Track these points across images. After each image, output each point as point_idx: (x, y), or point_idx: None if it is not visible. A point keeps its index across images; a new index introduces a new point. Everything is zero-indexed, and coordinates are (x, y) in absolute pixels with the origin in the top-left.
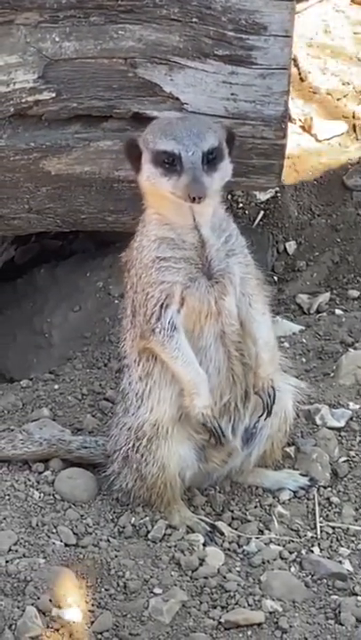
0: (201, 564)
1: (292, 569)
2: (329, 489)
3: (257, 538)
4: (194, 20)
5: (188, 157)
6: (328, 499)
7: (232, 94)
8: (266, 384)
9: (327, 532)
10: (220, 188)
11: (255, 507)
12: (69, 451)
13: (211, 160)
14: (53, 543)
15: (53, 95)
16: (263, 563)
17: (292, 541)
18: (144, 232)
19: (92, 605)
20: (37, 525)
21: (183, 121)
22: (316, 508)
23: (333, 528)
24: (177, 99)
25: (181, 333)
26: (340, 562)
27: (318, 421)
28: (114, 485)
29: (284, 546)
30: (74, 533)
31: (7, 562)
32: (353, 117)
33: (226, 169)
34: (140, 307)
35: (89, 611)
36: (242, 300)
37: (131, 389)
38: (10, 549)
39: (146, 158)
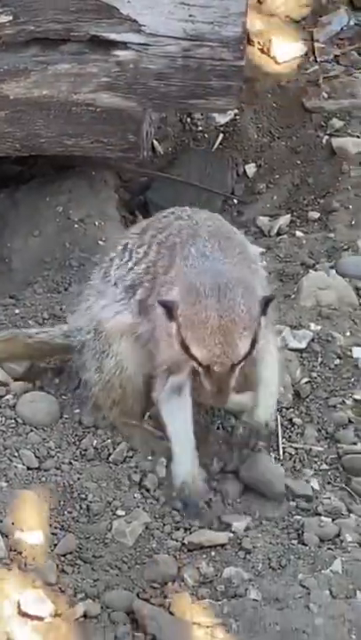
0: (164, 485)
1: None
2: (291, 410)
3: (220, 460)
4: None
5: (216, 369)
6: (290, 420)
7: (190, 16)
8: (262, 428)
9: (290, 454)
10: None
11: (217, 429)
12: (29, 335)
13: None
14: (15, 467)
15: (10, 18)
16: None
17: None
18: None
19: (55, 528)
20: None
21: (220, 323)
22: (279, 430)
23: (296, 449)
24: (135, 21)
25: (183, 398)
26: (305, 482)
27: (280, 343)
28: (78, 373)
29: None
30: (36, 457)
31: None
32: (312, 40)
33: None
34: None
35: (52, 533)
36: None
37: (102, 284)
38: None
39: (177, 330)
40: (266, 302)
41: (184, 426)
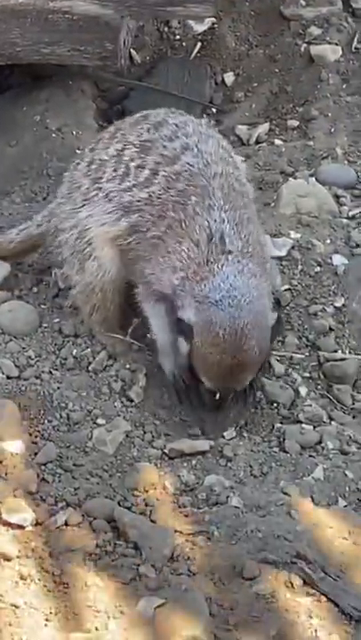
0: (145, 394)
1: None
2: None
3: None
4: None
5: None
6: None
7: None
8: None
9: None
10: None
11: None
12: (11, 240)
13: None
14: None
15: None
16: None
17: None
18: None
19: (36, 437)
20: None
21: (232, 364)
22: None
23: (279, 357)
24: None
25: (166, 303)
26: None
27: None
28: (60, 275)
29: None
30: (15, 366)
31: None
32: None
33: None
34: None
35: (32, 442)
36: None
37: (92, 191)
38: None
39: (189, 352)
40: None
41: (166, 322)
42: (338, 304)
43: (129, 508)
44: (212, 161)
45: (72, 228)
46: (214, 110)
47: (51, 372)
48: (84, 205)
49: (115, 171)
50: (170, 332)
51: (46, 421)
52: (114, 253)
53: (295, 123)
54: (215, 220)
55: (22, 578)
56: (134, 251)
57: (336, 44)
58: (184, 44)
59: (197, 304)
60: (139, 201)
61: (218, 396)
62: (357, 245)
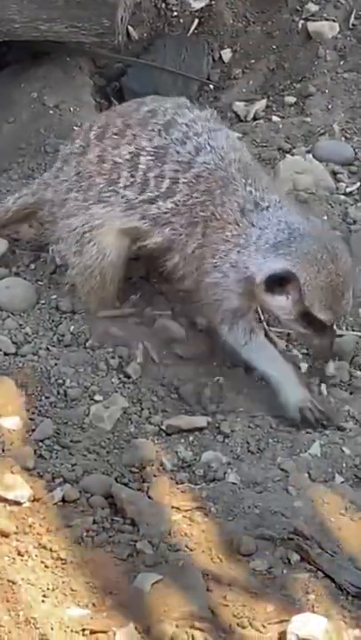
0: (142, 370)
1: None
2: None
3: None
4: None
5: (334, 327)
6: None
7: None
8: None
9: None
10: None
11: None
12: (7, 209)
13: None
14: None
15: None
16: None
17: None
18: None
19: (33, 414)
20: None
21: (344, 284)
22: (261, 316)
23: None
24: None
25: (259, 336)
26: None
27: None
28: (57, 252)
29: None
30: (13, 342)
31: None
32: None
33: None
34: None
35: (30, 419)
36: None
37: (108, 193)
38: None
39: (298, 300)
40: None
41: (274, 358)
42: None
43: (126, 485)
44: (225, 153)
45: (81, 216)
46: (211, 87)
47: (48, 349)
48: (99, 201)
49: (132, 177)
50: (284, 367)
51: (43, 398)
52: (116, 237)
53: (292, 99)
54: (243, 197)
55: (20, 554)
56: (195, 281)
57: (333, 21)
58: (181, 20)
59: (274, 252)
60: (166, 212)
61: (332, 328)
62: (355, 222)
